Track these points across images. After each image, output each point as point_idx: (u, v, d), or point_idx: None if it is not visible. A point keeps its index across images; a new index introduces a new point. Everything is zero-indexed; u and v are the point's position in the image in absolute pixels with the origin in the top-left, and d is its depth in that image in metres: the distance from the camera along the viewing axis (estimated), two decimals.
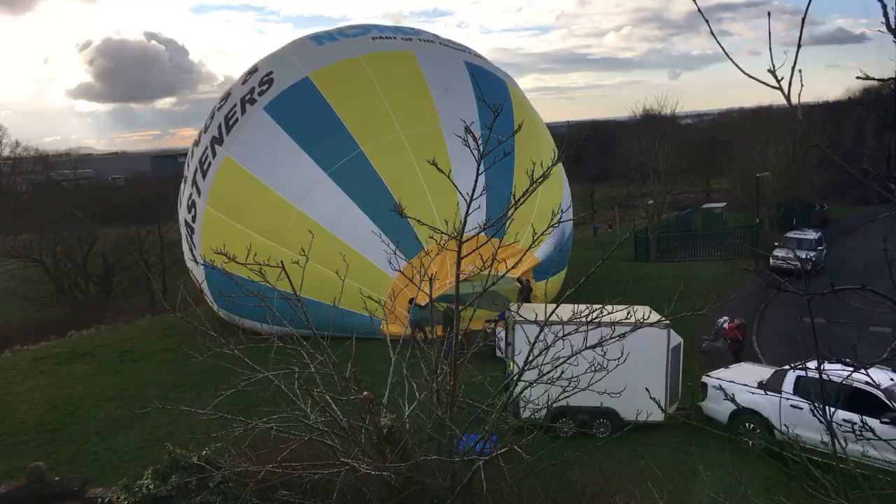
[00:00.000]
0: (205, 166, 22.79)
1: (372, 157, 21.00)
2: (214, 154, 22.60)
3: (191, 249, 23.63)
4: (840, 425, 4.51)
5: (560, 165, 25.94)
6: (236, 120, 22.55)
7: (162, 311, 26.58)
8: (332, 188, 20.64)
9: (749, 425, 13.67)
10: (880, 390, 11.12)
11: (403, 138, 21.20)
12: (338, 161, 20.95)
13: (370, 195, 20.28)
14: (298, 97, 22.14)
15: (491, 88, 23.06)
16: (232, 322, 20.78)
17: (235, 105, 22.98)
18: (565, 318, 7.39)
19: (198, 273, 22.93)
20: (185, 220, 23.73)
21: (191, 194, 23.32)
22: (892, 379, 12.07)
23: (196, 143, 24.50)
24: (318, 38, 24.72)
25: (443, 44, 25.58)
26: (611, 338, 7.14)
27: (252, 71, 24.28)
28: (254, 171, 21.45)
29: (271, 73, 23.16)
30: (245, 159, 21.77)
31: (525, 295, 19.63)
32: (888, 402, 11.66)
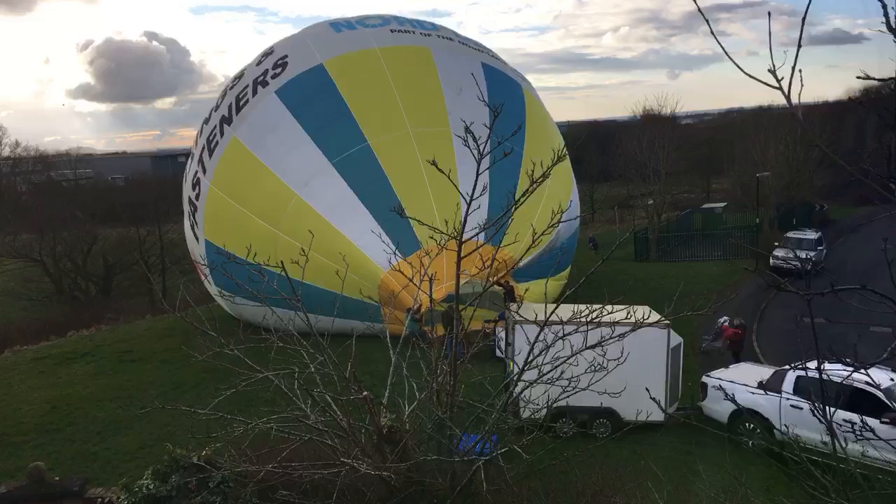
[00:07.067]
0: (212, 144, 22.79)
1: (378, 151, 20.93)
2: (223, 133, 22.59)
3: (192, 227, 23.64)
4: (840, 425, 4.51)
5: (569, 167, 25.91)
6: (247, 101, 22.51)
7: (162, 311, 26.57)
8: (335, 177, 20.58)
9: (749, 425, 13.67)
10: (880, 390, 11.11)
11: (412, 136, 21.15)
12: (343, 152, 20.87)
13: (372, 189, 20.23)
14: (311, 84, 22.09)
15: (505, 90, 22.90)
16: (231, 309, 20.83)
17: (248, 86, 22.93)
18: (565, 318, 7.39)
19: (197, 251, 23.00)
20: (189, 198, 23.70)
21: (196, 172, 23.32)
22: (892, 379, 12.07)
23: (206, 121, 24.41)
24: (336, 26, 24.55)
25: (462, 42, 25.33)
26: (611, 338, 7.14)
27: (268, 53, 24.14)
28: (258, 153, 21.42)
29: (286, 56, 23.06)
30: (251, 141, 21.74)
31: (510, 296, 19.63)
32: (888, 402, 11.66)
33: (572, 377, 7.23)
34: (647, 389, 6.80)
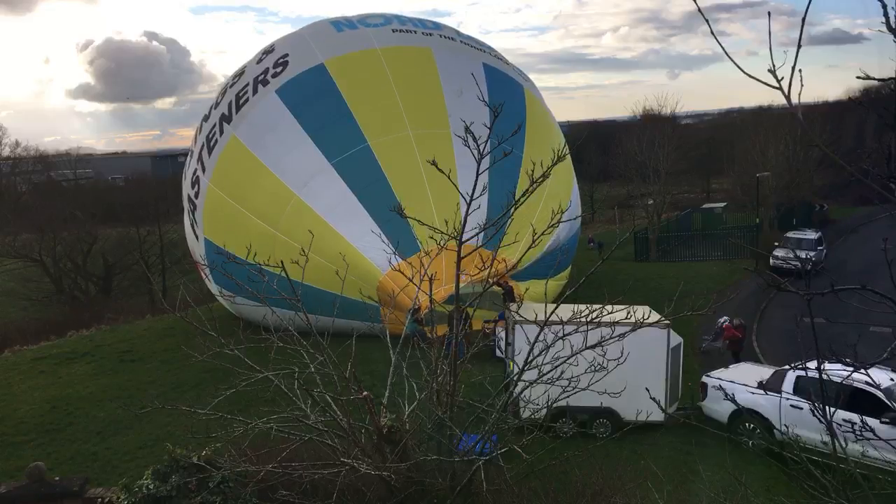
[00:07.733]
0: (211, 143, 22.72)
1: (378, 153, 20.87)
2: (222, 132, 22.52)
3: (192, 225, 23.61)
4: (840, 425, 4.51)
5: (570, 166, 25.86)
6: (247, 100, 22.45)
7: (162, 311, 26.57)
8: (334, 178, 20.53)
9: (749, 425, 13.67)
10: (880, 390, 11.11)
11: (412, 137, 21.10)
12: (343, 152, 20.81)
13: (371, 190, 20.17)
14: (311, 83, 22.03)
15: (506, 90, 22.79)
16: (231, 308, 20.81)
17: (248, 84, 22.87)
18: (565, 318, 7.39)
19: (197, 250, 22.98)
20: (189, 196, 23.67)
21: (195, 170, 23.27)
22: (892, 379, 12.07)
23: (206, 118, 24.31)
24: (337, 25, 24.43)
25: (464, 42, 25.19)
26: (611, 338, 7.14)
27: (268, 50, 24.04)
28: (258, 152, 21.36)
29: (287, 55, 22.99)
30: (250, 140, 21.69)
31: (510, 296, 19.63)
32: (888, 402, 11.66)
33: (572, 377, 7.23)
34: (647, 389, 6.80)
